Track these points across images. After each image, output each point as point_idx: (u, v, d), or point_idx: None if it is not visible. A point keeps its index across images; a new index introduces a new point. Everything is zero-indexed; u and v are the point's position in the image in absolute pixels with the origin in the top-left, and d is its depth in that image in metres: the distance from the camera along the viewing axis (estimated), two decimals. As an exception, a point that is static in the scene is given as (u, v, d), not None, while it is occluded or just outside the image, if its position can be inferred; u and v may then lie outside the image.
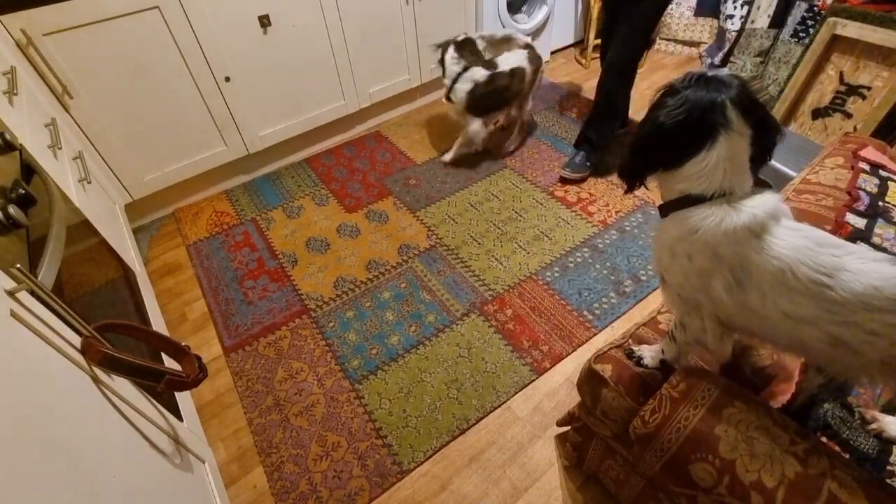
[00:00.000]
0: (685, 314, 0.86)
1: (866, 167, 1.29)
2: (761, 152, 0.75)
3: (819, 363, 0.78)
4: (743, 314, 0.76)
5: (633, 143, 0.80)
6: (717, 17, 2.93)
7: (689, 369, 0.90)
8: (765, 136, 0.74)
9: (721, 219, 0.73)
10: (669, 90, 0.75)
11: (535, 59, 2.21)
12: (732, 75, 0.72)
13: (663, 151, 0.76)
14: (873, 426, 0.87)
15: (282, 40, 2.07)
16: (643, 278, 1.77)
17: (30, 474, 0.53)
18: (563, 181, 2.20)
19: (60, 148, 1.40)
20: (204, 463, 1.16)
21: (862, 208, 1.16)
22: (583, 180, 2.19)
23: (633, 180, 0.84)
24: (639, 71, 3.03)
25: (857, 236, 1.09)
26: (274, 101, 2.20)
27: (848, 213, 1.15)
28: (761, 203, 0.73)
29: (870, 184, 1.23)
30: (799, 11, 2.49)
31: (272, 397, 1.50)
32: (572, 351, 1.56)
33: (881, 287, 0.64)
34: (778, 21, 2.63)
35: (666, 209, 0.81)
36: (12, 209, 0.77)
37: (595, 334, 1.60)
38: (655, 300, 1.69)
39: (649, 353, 0.98)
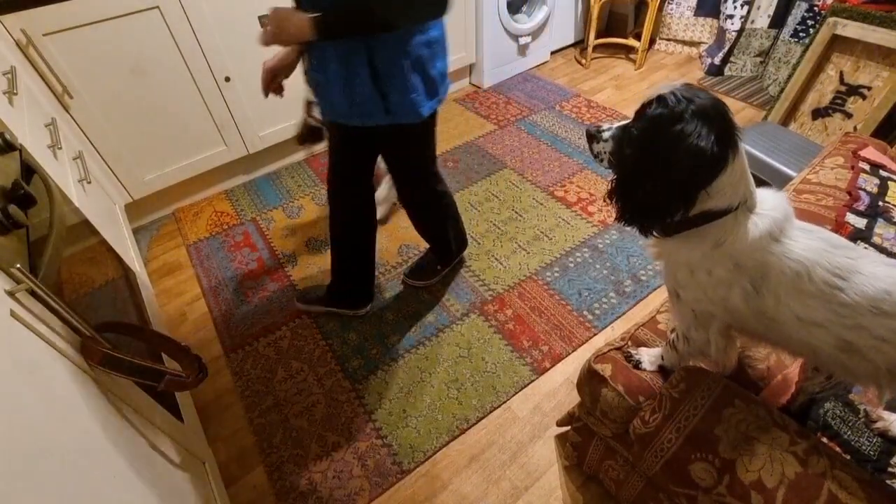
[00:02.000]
0: (692, 328, 0.85)
1: (866, 167, 1.29)
2: None
3: (829, 368, 0.77)
4: (758, 321, 0.76)
5: (679, 182, 0.68)
6: (717, 17, 2.93)
7: (688, 369, 0.90)
8: None
9: (747, 230, 0.71)
10: (667, 118, 0.66)
11: None
12: (685, 86, 0.68)
13: (708, 175, 0.68)
14: (878, 424, 0.87)
15: (282, 40, 2.06)
16: (643, 278, 1.76)
17: (30, 474, 0.53)
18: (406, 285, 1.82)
19: (60, 148, 1.40)
20: (204, 463, 1.16)
21: (862, 208, 1.16)
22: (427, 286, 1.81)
23: (663, 222, 0.75)
24: (639, 71, 3.05)
25: (857, 236, 1.09)
26: (274, 100, 2.19)
27: (848, 213, 1.15)
28: (776, 204, 0.72)
29: (870, 184, 1.23)
30: (799, 11, 2.49)
31: (272, 397, 1.50)
32: (572, 351, 1.56)
33: (893, 292, 0.64)
34: (778, 21, 2.64)
35: (675, 228, 0.75)
36: (12, 209, 0.77)
37: (595, 334, 1.60)
38: (655, 300, 1.69)
39: (648, 358, 0.98)
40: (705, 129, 0.65)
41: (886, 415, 0.87)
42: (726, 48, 2.85)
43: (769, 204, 0.72)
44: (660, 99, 0.68)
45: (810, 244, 0.69)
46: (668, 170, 0.68)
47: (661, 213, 0.73)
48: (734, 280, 0.74)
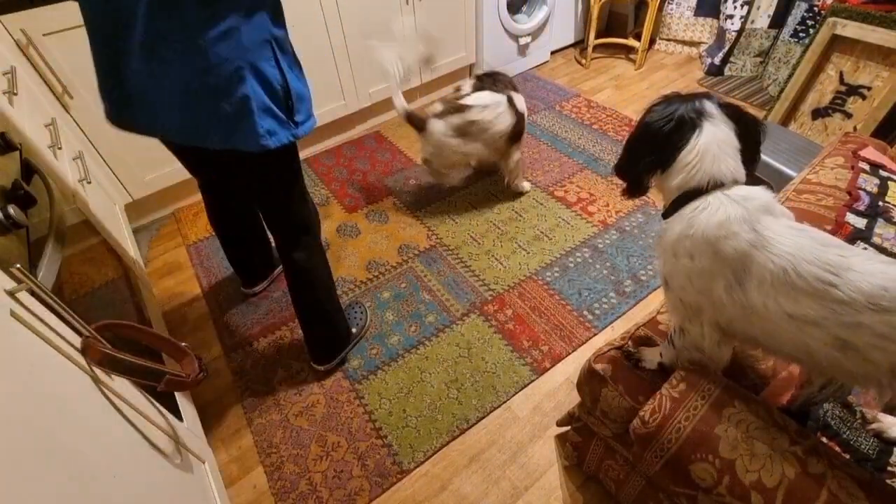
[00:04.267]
0: (685, 320, 0.85)
1: (866, 167, 1.29)
2: (750, 146, 0.80)
3: (826, 371, 0.77)
4: (744, 316, 0.76)
5: (627, 142, 0.87)
6: (717, 17, 2.93)
7: (689, 369, 0.90)
8: (749, 130, 0.80)
9: (715, 208, 0.75)
10: (654, 105, 0.83)
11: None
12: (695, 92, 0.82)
13: (656, 147, 0.81)
14: (874, 426, 0.87)
15: (282, 40, 2.06)
16: (643, 278, 1.76)
17: (30, 474, 0.53)
18: None
19: (60, 148, 1.40)
20: (204, 463, 1.16)
21: (862, 208, 1.16)
22: None
23: (629, 179, 0.88)
24: (639, 71, 3.05)
25: (857, 236, 1.09)
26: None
27: (848, 213, 1.15)
28: (750, 194, 0.75)
29: (870, 184, 1.23)
30: (799, 11, 2.49)
31: (272, 397, 1.50)
32: (572, 351, 1.56)
33: (890, 288, 0.63)
34: (778, 21, 2.64)
35: (669, 213, 0.82)
36: (12, 209, 0.77)
37: (595, 334, 1.60)
38: (655, 300, 1.69)
39: (648, 356, 0.98)
40: (668, 110, 0.79)
41: (882, 416, 0.87)
42: (726, 48, 2.85)
43: (743, 193, 0.76)
44: (663, 97, 0.84)
45: (797, 241, 0.70)
46: (637, 139, 0.85)
47: (634, 173, 0.87)
48: (717, 270, 0.75)
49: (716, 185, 0.76)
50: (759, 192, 0.76)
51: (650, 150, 0.82)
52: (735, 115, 0.80)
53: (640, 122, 0.84)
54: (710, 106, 0.78)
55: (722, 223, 0.73)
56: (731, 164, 0.77)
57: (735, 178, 0.77)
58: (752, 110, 2.62)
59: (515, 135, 1.97)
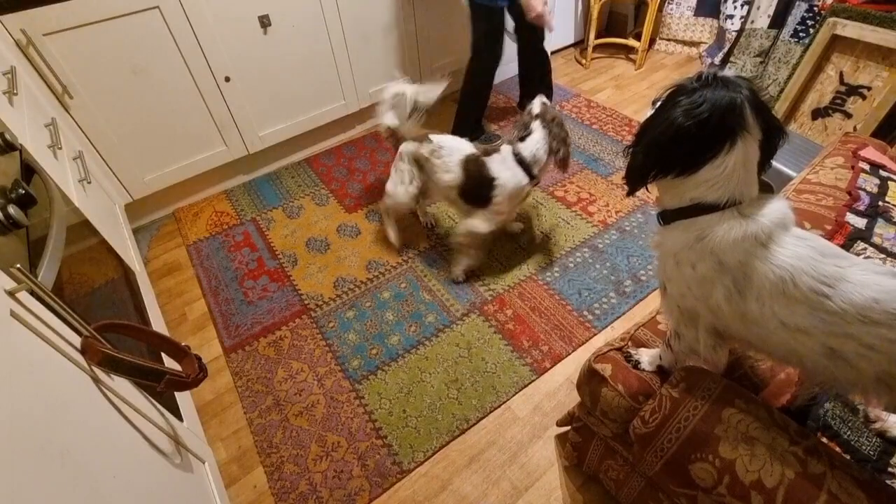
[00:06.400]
0: (681, 324, 0.85)
1: (866, 167, 1.29)
2: (765, 156, 0.73)
3: (814, 375, 0.77)
4: (741, 323, 0.75)
5: (648, 144, 0.75)
6: (717, 17, 2.93)
7: (689, 369, 0.90)
8: (770, 139, 0.72)
9: (731, 228, 0.71)
10: (681, 90, 0.71)
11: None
12: (740, 77, 0.69)
13: (681, 153, 0.71)
14: (876, 425, 0.87)
15: (282, 40, 2.06)
16: (643, 278, 1.76)
17: (30, 474, 0.53)
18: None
19: (60, 148, 1.40)
20: (204, 463, 1.16)
21: (862, 208, 1.16)
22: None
23: (641, 183, 0.79)
24: (639, 71, 3.05)
25: (857, 236, 1.09)
26: (274, 100, 2.20)
27: (848, 213, 1.15)
28: (771, 212, 0.71)
29: (870, 184, 1.23)
30: (799, 11, 2.49)
31: (272, 397, 1.50)
32: (572, 351, 1.56)
33: (881, 300, 0.63)
34: (778, 21, 2.63)
35: (671, 217, 0.78)
36: (12, 209, 0.77)
37: (595, 334, 1.60)
38: (655, 300, 1.69)
39: (647, 358, 0.98)
40: (702, 108, 0.67)
41: (885, 415, 0.87)
42: (726, 48, 2.85)
43: (763, 209, 0.72)
44: (698, 74, 0.71)
45: (798, 251, 0.69)
46: (653, 131, 0.74)
47: (639, 171, 0.77)
48: (717, 279, 0.74)
49: (732, 203, 0.71)
50: (777, 209, 0.72)
51: (669, 151, 0.72)
52: (764, 123, 0.70)
53: (663, 115, 0.71)
54: (748, 113, 0.67)
55: (736, 242, 0.70)
56: (751, 184, 0.72)
57: (751, 199, 0.73)
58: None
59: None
